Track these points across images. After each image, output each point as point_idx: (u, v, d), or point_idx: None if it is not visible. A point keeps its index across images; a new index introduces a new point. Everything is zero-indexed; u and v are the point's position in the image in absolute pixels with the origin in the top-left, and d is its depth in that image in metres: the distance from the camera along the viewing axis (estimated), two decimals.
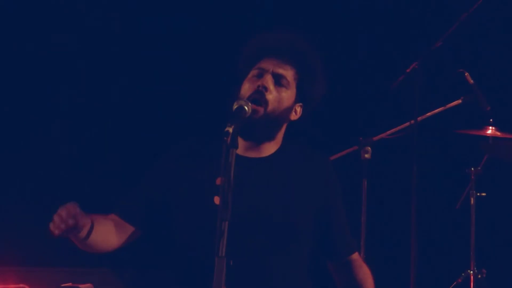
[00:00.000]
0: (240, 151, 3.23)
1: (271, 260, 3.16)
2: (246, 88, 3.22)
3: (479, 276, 5.51)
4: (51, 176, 5.99)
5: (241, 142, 3.24)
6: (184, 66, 6.14)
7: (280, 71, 3.22)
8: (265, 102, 3.18)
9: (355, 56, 6.21)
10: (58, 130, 6.05)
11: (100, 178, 6.06)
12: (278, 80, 3.22)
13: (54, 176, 5.99)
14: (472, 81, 5.19)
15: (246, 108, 3.09)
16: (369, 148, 5.04)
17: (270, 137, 3.27)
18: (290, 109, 3.26)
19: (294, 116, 3.30)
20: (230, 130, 2.88)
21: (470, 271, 5.52)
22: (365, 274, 3.35)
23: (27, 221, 5.80)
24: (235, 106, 3.09)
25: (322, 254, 3.35)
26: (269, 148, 3.28)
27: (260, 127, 3.18)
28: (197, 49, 6.12)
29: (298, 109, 3.31)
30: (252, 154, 3.25)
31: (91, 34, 6.09)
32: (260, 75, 3.22)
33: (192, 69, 6.11)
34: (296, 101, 3.28)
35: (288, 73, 3.24)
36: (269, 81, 3.20)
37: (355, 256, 3.38)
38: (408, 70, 4.73)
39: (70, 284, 4.14)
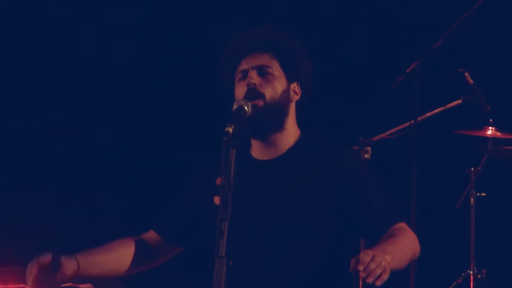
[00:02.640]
0: (255, 154, 3.26)
1: (278, 262, 3.15)
2: (239, 93, 3.24)
3: (479, 276, 5.51)
4: (51, 176, 5.98)
5: (254, 144, 3.26)
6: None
7: (258, 62, 3.24)
8: (261, 95, 3.19)
9: (355, 56, 6.21)
10: (57, 130, 6.05)
11: (100, 179, 6.06)
12: (262, 71, 3.24)
13: (54, 176, 5.99)
14: (472, 81, 5.19)
15: (246, 108, 3.10)
16: (369, 148, 5.03)
17: (279, 126, 3.25)
18: (287, 91, 3.27)
19: (295, 97, 3.30)
20: (230, 130, 2.88)
21: (470, 271, 5.51)
22: (406, 235, 3.17)
23: (27, 221, 5.80)
24: (234, 106, 3.10)
25: (365, 238, 3.26)
26: (284, 142, 3.27)
27: (265, 118, 3.18)
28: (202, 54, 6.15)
29: (297, 89, 3.31)
30: (267, 156, 3.26)
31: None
32: (245, 76, 3.24)
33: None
34: (290, 81, 3.28)
35: (268, 60, 3.25)
36: (254, 76, 3.22)
37: (400, 225, 3.20)
38: (408, 70, 4.73)
39: (70, 284, 4.13)
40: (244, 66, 3.26)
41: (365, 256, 2.78)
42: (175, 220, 3.40)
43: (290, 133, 3.29)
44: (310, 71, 3.34)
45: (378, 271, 2.79)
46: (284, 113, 3.26)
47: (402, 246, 3.09)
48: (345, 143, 3.36)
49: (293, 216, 3.16)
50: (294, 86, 3.30)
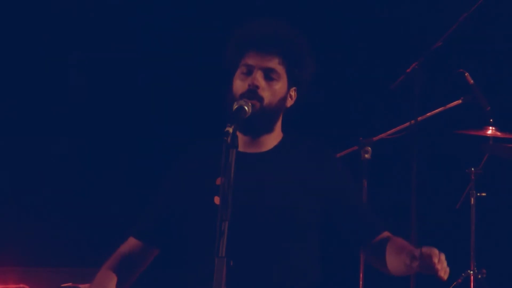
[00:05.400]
0: (240, 147, 3.23)
1: (273, 259, 3.15)
2: (238, 86, 3.20)
3: (479, 276, 5.51)
4: (51, 176, 5.99)
5: (241, 137, 3.23)
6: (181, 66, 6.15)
7: (268, 64, 3.20)
8: (260, 99, 3.17)
9: (356, 56, 6.21)
10: (58, 131, 6.06)
11: (101, 179, 6.06)
12: (268, 74, 3.20)
13: (54, 176, 5.99)
14: (472, 81, 5.19)
15: (246, 108, 3.09)
16: (369, 148, 5.04)
17: (269, 129, 3.26)
18: (285, 98, 3.26)
19: (290, 102, 3.29)
20: (230, 130, 2.88)
21: (470, 271, 5.51)
22: (401, 241, 3.22)
23: (27, 221, 5.80)
24: (235, 106, 3.09)
25: (349, 242, 3.29)
26: (270, 141, 3.27)
27: (258, 120, 3.17)
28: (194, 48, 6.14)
29: (293, 94, 3.29)
30: (252, 150, 3.25)
31: (91, 35, 6.10)
32: (249, 72, 3.20)
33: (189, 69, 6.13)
34: (289, 87, 3.26)
35: (276, 65, 3.21)
36: (259, 78, 3.18)
37: (386, 234, 3.27)
38: (408, 70, 4.72)
39: (70, 284, 4.13)
40: (251, 61, 3.20)
41: (436, 254, 2.93)
42: (153, 222, 3.34)
43: (277, 133, 3.30)
44: (310, 78, 3.33)
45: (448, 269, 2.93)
46: (276, 118, 3.26)
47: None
48: (328, 145, 3.37)
49: (282, 211, 3.16)
50: (292, 91, 3.29)
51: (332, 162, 3.31)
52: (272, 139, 3.28)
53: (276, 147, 3.28)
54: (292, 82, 3.26)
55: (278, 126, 3.30)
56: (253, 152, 3.25)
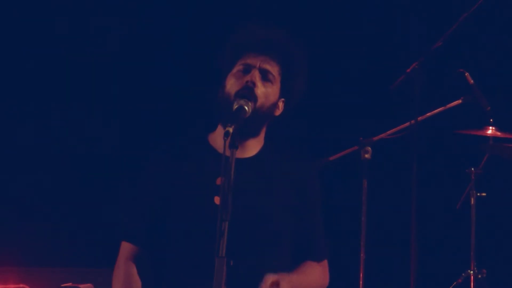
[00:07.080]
0: (225, 151, 3.23)
1: (269, 260, 3.16)
2: (232, 83, 3.21)
3: (479, 276, 5.51)
4: (51, 176, 5.99)
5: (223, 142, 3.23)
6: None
7: (267, 66, 3.23)
8: (254, 97, 3.17)
9: (355, 56, 6.21)
10: (58, 131, 6.06)
11: (101, 179, 6.06)
12: (265, 76, 3.22)
13: (54, 176, 5.99)
14: (472, 81, 5.19)
15: (246, 108, 3.09)
16: (369, 148, 5.04)
17: (255, 133, 3.28)
18: (275, 104, 3.27)
19: (277, 112, 3.31)
20: (231, 130, 2.89)
21: (470, 271, 5.51)
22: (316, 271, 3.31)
23: (27, 221, 5.81)
24: (235, 106, 3.09)
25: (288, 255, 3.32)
26: (253, 147, 3.28)
27: (248, 122, 3.16)
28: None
29: (281, 105, 3.31)
30: (237, 154, 3.24)
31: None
32: (247, 71, 3.22)
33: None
34: (280, 96, 3.29)
35: (274, 69, 3.24)
36: (257, 76, 3.20)
37: (324, 263, 3.36)
38: (408, 70, 4.72)
39: (70, 284, 4.14)
40: (251, 61, 3.23)
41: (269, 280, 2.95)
42: (148, 225, 3.29)
43: (260, 139, 3.32)
44: (300, 96, 3.34)
45: None
46: (263, 123, 3.28)
47: (309, 280, 3.24)
48: (305, 155, 3.38)
49: (270, 215, 3.19)
50: (280, 102, 3.31)
51: (309, 178, 3.33)
52: (255, 144, 3.30)
53: (258, 153, 3.29)
54: (283, 93, 3.29)
55: (263, 132, 3.31)
56: (237, 157, 3.24)
